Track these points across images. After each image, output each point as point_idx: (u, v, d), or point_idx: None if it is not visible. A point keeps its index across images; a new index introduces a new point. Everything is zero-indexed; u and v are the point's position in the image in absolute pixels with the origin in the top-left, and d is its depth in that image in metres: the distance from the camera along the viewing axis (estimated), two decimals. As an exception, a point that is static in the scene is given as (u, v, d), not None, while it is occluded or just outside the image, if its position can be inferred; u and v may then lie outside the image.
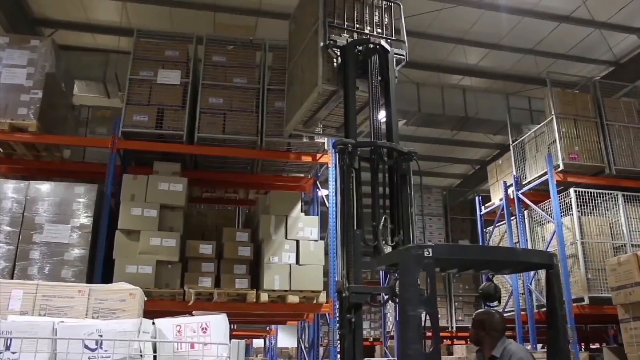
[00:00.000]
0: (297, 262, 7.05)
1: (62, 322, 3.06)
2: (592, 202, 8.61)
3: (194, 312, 3.49)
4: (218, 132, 7.32)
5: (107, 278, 6.41)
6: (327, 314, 7.86)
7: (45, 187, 6.75)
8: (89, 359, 2.83)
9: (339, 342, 4.10)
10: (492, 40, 11.74)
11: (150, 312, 4.13)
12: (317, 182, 8.57)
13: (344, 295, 4.01)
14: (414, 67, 12.03)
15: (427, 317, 3.11)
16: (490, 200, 11.60)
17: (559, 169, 8.79)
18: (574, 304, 7.98)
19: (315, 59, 5.11)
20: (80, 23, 11.02)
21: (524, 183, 9.85)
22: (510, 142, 10.67)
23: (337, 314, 7.63)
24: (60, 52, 8.01)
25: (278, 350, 19.59)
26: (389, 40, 5.29)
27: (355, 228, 4.18)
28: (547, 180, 8.85)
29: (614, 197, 8.74)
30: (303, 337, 11.52)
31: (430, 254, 3.01)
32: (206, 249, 7.02)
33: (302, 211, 7.81)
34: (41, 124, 7.12)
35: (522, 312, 9.18)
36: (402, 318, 3.02)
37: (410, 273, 3.05)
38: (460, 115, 12.81)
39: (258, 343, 21.31)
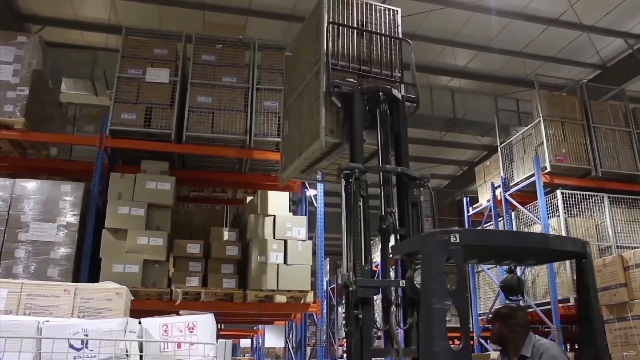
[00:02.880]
0: (285, 262, 7.04)
1: (47, 321, 3.03)
2: (578, 204, 8.67)
3: (180, 312, 3.48)
4: (206, 131, 7.29)
5: (93, 277, 6.37)
6: (314, 314, 7.87)
7: (31, 185, 6.69)
8: (75, 359, 2.81)
9: (345, 340, 3.76)
10: (481, 42, 11.81)
11: (137, 311, 4.11)
12: (306, 182, 8.57)
13: (350, 289, 3.68)
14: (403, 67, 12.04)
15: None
16: (477, 201, 11.65)
17: (546, 171, 8.85)
18: (560, 305, 8.04)
19: (316, 105, 4.55)
20: (68, 20, 10.96)
21: (511, 184, 9.91)
22: (498, 144, 10.72)
23: (324, 314, 7.63)
24: (48, 49, 7.95)
25: (265, 350, 19.58)
26: (397, 83, 4.79)
27: (363, 263, 3.78)
28: (534, 181, 8.91)
29: (600, 199, 8.81)
30: (290, 337, 11.52)
31: (457, 240, 2.75)
32: (194, 248, 6.99)
33: (290, 211, 7.81)
34: (28, 122, 7.06)
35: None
36: (425, 312, 2.77)
37: (435, 261, 2.78)
38: (448, 117, 12.89)
39: (245, 343, 21.29)
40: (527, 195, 9.53)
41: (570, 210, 8.63)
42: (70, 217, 6.62)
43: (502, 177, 10.12)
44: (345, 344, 3.73)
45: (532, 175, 9.02)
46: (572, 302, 7.94)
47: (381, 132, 4.29)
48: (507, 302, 3.74)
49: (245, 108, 7.47)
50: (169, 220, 6.98)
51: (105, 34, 11.15)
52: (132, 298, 4.97)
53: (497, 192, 10.23)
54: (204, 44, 7.80)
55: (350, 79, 4.51)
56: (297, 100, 5.18)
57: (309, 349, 9.70)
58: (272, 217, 7.25)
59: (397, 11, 5.02)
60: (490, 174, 11.22)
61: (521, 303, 3.83)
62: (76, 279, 6.37)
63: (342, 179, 3.98)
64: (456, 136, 15.14)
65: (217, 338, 3.18)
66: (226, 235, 7.32)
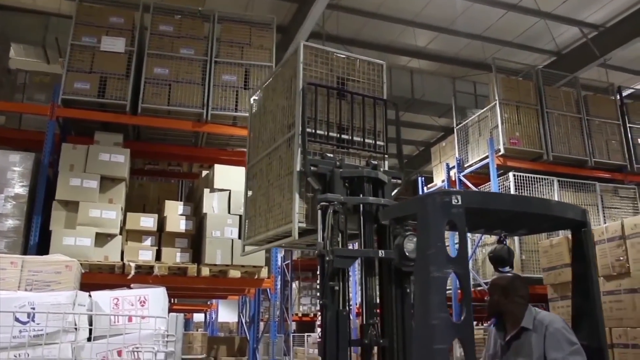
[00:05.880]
0: (240, 237, 7.02)
1: (-8, 294, 2.96)
2: (529, 186, 8.91)
3: (132, 285, 3.45)
4: (163, 103, 7.16)
5: (43, 250, 6.23)
6: (268, 290, 7.91)
7: (-23, 153, 6.47)
8: (20, 332, 2.75)
9: (319, 313, 3.56)
10: (441, 24, 11.88)
11: (89, 285, 4.05)
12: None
13: (327, 259, 3.45)
14: (363, 46, 12.07)
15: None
16: (432, 181, 11.85)
17: (500, 153, 9.05)
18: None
19: (288, 181, 4.01)
20: (19, -17, 10.51)
21: (465, 165, 10.11)
22: (455, 125, 10.89)
23: (278, 290, 7.63)
24: (-4, 12, 7.63)
25: (219, 324, 19.61)
26: (382, 154, 4.28)
27: (341, 308, 3.48)
28: (488, 163, 9.11)
29: (550, 183, 9.07)
30: (244, 311, 11.57)
31: (459, 202, 2.55)
32: (147, 221, 6.91)
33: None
34: (-26, 88, 6.80)
35: (459, 291, 9.45)
36: (421, 281, 2.57)
37: (434, 225, 2.55)
38: (407, 97, 12.98)
39: (199, 317, 21.25)
40: (480, 176, 9.74)
41: (522, 192, 8.86)
42: (19, 188, 6.44)
43: (457, 158, 10.31)
44: (319, 317, 3.55)
45: (486, 157, 9.22)
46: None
47: (365, 220, 3.76)
48: (497, 273, 3.52)
49: (202, 81, 7.36)
50: (123, 193, 6.87)
51: (59, -1, 10.75)
52: (83, 271, 4.89)
53: (452, 172, 10.42)
54: (162, 14, 7.62)
55: (329, 154, 4.00)
56: (264, 161, 4.61)
57: (262, 324, 9.75)
58: (228, 192, 7.20)
59: (382, 65, 4.53)
60: (446, 155, 11.40)
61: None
62: (25, 251, 6.22)
63: (319, 211, 3.63)
64: (414, 116, 15.25)
65: (170, 312, 3.16)
66: (181, 209, 7.24)
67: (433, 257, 2.52)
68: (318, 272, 3.57)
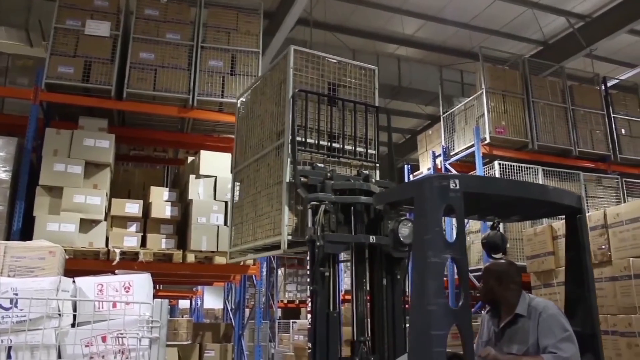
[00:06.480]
0: (225, 223, 6.99)
1: (-26, 279, 2.93)
2: (514, 175, 8.97)
3: (117, 271, 3.42)
4: (148, 89, 7.09)
5: (27, 236, 6.18)
6: (253, 276, 7.91)
7: (-42, 137, 6.38)
8: (3, 318, 2.73)
9: (309, 300, 3.48)
10: (429, 12, 11.87)
11: (74, 271, 4.04)
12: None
13: (317, 244, 3.40)
14: (350, 33, 12.03)
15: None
16: (418, 169, 11.88)
17: (486, 142, 9.10)
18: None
19: (277, 192, 3.91)
20: (1, -36, 10.32)
21: (451, 154, 10.15)
22: (441, 114, 10.91)
23: (264, 276, 7.62)
24: (-22, -7, 7.49)
25: (204, 311, 19.61)
26: (373, 164, 4.23)
27: (331, 309, 3.44)
28: (473, 152, 9.16)
29: (535, 172, 9.13)
30: (229, 298, 11.60)
31: (457, 186, 2.53)
32: (132, 207, 6.86)
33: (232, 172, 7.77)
34: (-45, 70, 6.69)
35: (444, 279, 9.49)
36: (419, 267, 2.52)
37: (432, 210, 2.53)
38: (394, 85, 12.98)
39: (184, 304, 21.24)
40: (466, 165, 9.79)
41: (506, 181, 8.92)
42: (2, 173, 6.36)
43: (443, 146, 10.34)
44: (309, 304, 3.47)
45: (472, 145, 9.26)
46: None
47: (356, 232, 3.68)
48: (490, 259, 3.52)
49: (188, 66, 7.30)
50: (108, 179, 6.81)
51: (42, -19, 10.57)
52: (68, 257, 4.86)
53: (438, 160, 10.46)
54: (148, -2, 7.54)
55: (320, 164, 3.92)
56: (252, 167, 4.50)
57: (247, 311, 9.78)
58: (214, 178, 7.17)
59: (374, 70, 4.52)
60: (432, 143, 11.43)
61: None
62: (8, 237, 6.16)
63: (310, 210, 3.57)
64: (400, 104, 15.26)
65: (155, 298, 3.15)
66: (166, 195, 7.21)
67: (431, 242, 2.50)
68: (308, 258, 3.54)
